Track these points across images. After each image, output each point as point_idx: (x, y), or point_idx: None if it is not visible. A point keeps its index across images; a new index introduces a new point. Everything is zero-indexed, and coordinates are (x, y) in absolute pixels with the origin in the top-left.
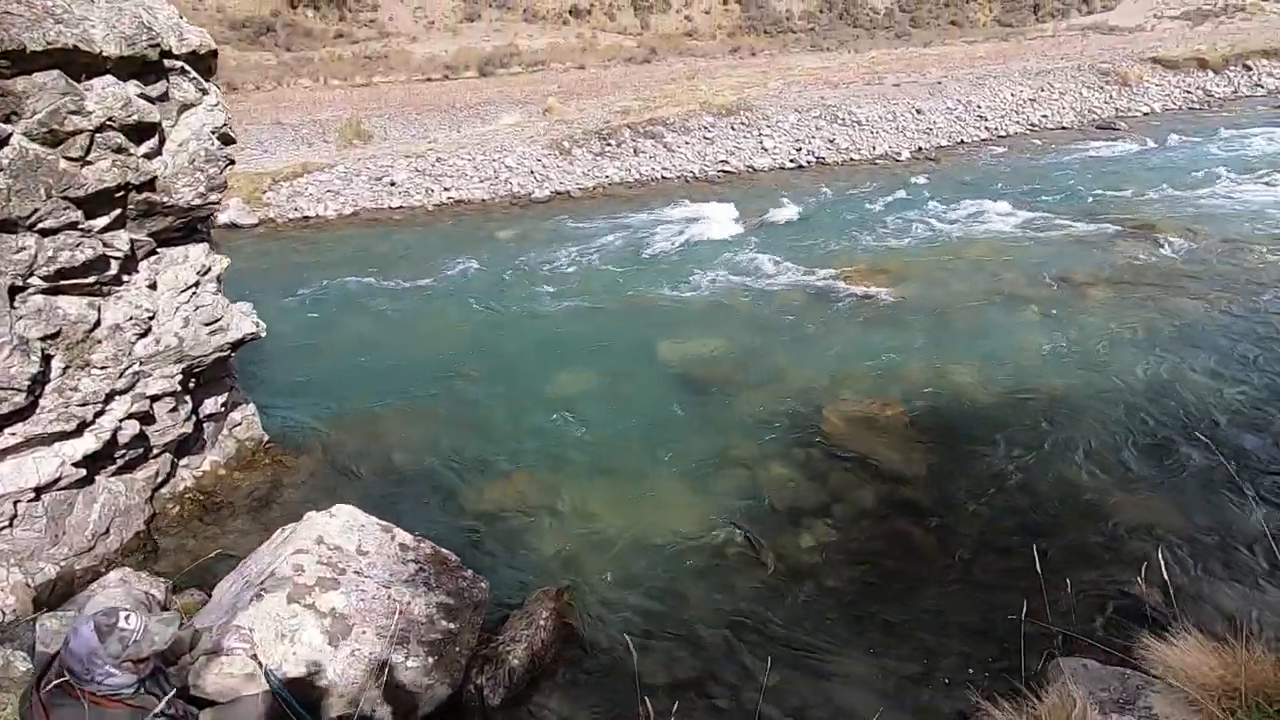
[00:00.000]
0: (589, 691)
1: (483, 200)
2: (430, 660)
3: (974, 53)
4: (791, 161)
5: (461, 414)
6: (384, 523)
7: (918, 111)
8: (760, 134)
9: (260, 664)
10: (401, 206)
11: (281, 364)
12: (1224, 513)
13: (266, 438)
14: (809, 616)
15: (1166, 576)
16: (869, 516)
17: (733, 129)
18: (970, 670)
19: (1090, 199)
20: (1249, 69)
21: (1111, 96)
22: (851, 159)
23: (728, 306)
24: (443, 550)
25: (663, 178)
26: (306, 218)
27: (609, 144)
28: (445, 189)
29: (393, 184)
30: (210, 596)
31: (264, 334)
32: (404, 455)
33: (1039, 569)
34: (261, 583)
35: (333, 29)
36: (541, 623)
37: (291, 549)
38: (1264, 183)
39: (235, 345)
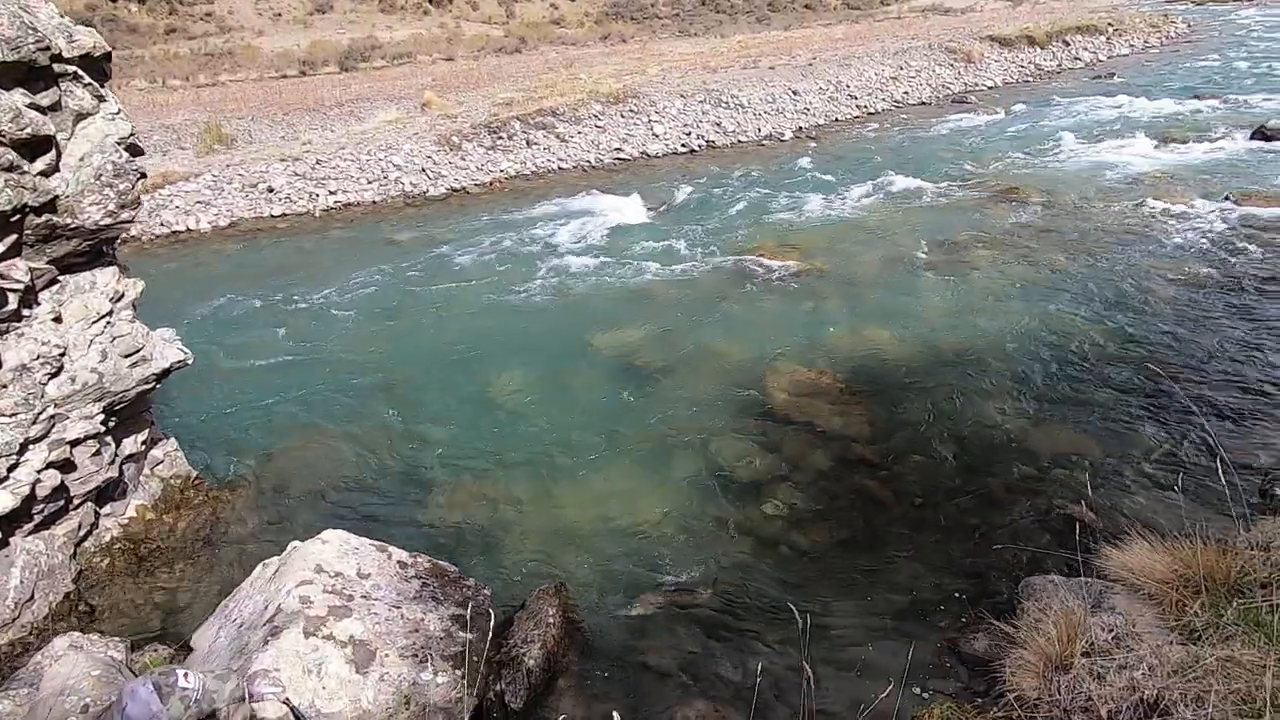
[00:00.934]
0: (606, 683)
1: (373, 202)
2: (456, 674)
3: (832, 35)
4: (683, 146)
5: (401, 425)
6: (377, 542)
7: (794, 93)
8: (650, 120)
9: (290, 706)
10: (285, 214)
11: (191, 393)
12: (1124, 432)
13: (194, 474)
14: (790, 576)
15: (1098, 494)
16: (826, 477)
17: (622, 116)
18: (953, 599)
19: (958, 167)
20: (1068, 44)
21: (960, 72)
22: (739, 141)
23: (650, 293)
24: (440, 562)
25: (559, 168)
26: (176, 233)
27: (500, 137)
28: (331, 192)
29: (271, 190)
30: (177, 649)
31: (191, 361)
32: (350, 473)
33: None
34: (270, 620)
35: (162, 24)
36: (550, 621)
37: (293, 582)
38: (1096, 145)
39: (160, 376)
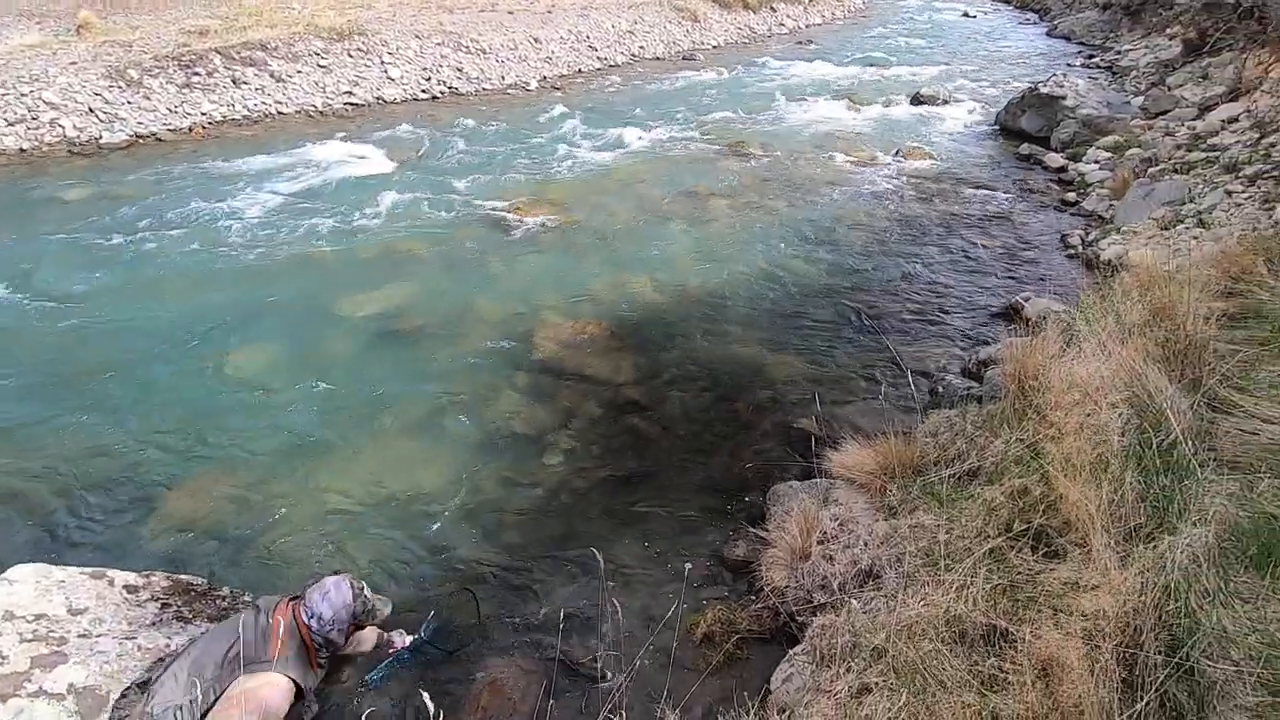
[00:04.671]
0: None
1: (21, 150)
2: None
3: None
4: (424, 92)
5: (107, 424)
6: (92, 570)
7: (536, 40)
8: (384, 61)
9: None
10: None
11: None
12: (839, 354)
13: None
14: (575, 520)
15: (822, 408)
16: (600, 422)
17: (350, 55)
18: (717, 515)
19: (694, 122)
20: (774, 10)
21: (689, 30)
22: (484, 89)
23: (403, 251)
24: (183, 577)
25: (279, 113)
26: None
27: (196, 73)
28: None
29: None
30: None
31: None
32: (39, 492)
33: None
34: None
35: None
36: None
37: None
38: (802, 105)
39: None
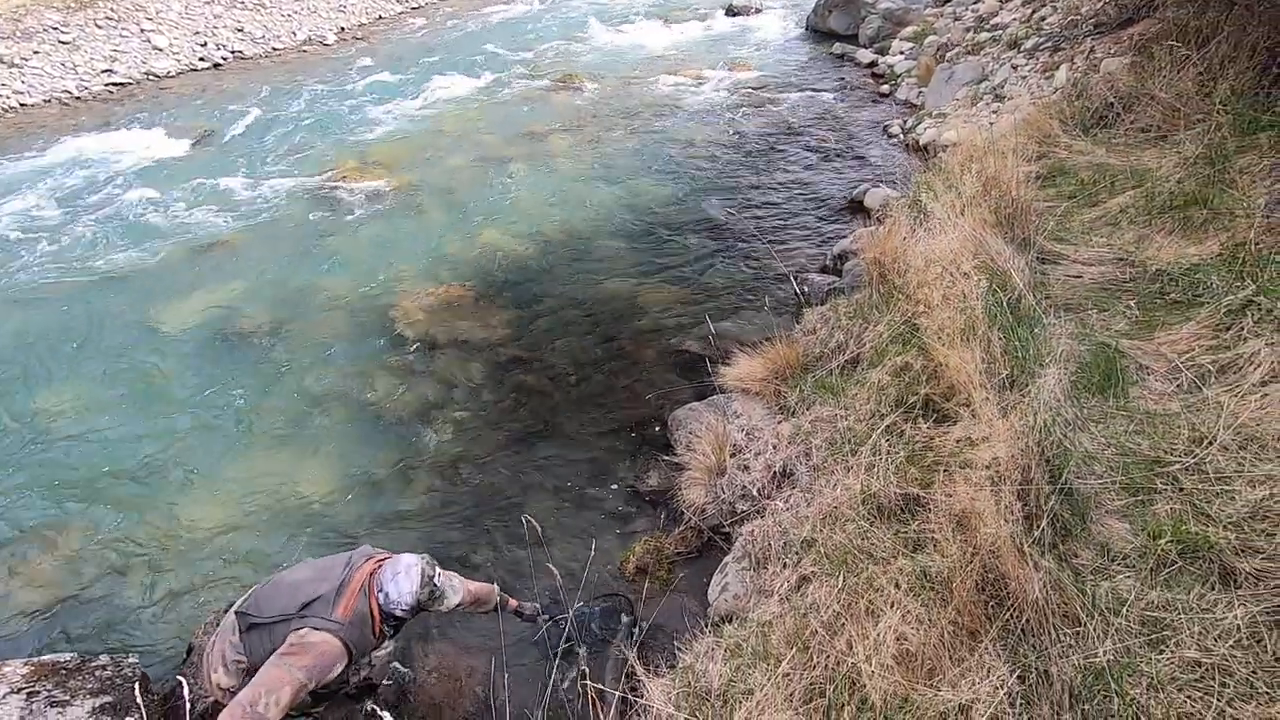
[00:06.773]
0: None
1: None
2: None
3: None
4: (203, 60)
5: None
6: None
7: None
8: (143, 29)
9: None
10: None
11: None
12: (711, 270)
13: None
14: (482, 490)
15: (705, 327)
16: (485, 386)
17: (99, 27)
18: (625, 452)
19: (515, 59)
20: None
21: None
22: (274, 49)
23: (220, 245)
24: (46, 658)
25: (22, 105)
26: None
27: None
28: None
29: None
30: None
31: None
32: None
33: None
34: None
35: None
36: None
37: None
38: (621, 29)
39: None
